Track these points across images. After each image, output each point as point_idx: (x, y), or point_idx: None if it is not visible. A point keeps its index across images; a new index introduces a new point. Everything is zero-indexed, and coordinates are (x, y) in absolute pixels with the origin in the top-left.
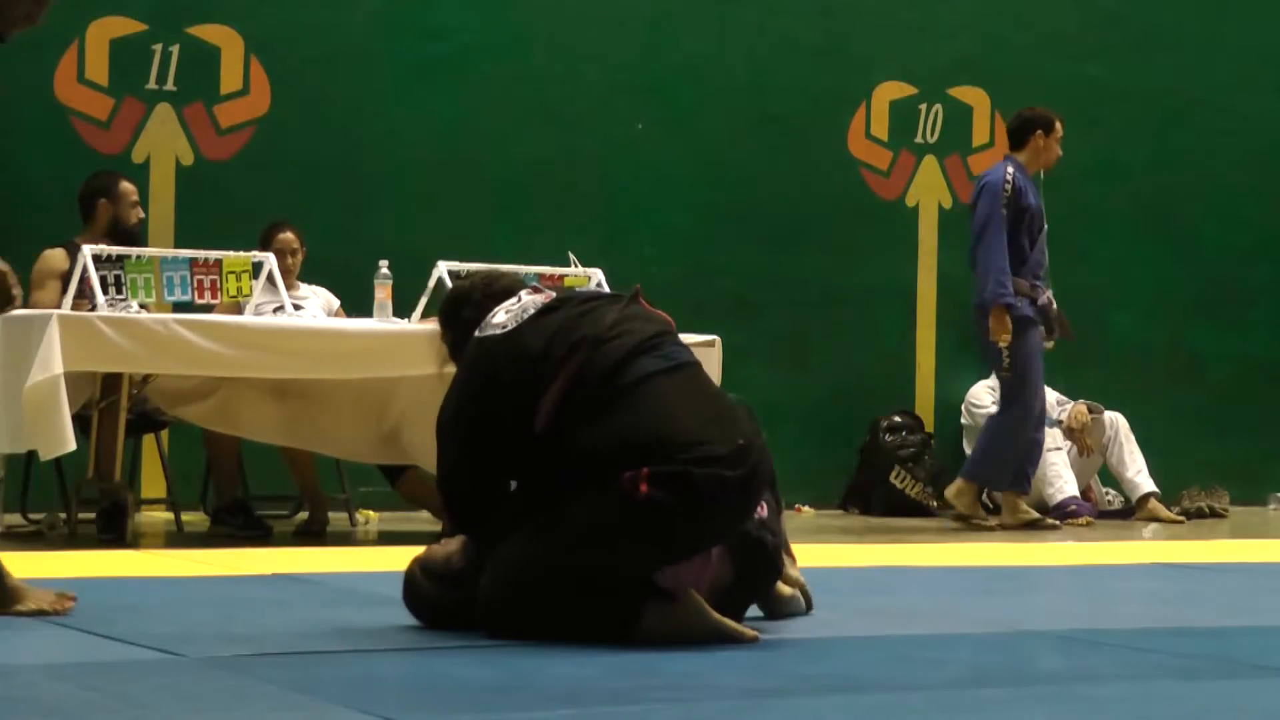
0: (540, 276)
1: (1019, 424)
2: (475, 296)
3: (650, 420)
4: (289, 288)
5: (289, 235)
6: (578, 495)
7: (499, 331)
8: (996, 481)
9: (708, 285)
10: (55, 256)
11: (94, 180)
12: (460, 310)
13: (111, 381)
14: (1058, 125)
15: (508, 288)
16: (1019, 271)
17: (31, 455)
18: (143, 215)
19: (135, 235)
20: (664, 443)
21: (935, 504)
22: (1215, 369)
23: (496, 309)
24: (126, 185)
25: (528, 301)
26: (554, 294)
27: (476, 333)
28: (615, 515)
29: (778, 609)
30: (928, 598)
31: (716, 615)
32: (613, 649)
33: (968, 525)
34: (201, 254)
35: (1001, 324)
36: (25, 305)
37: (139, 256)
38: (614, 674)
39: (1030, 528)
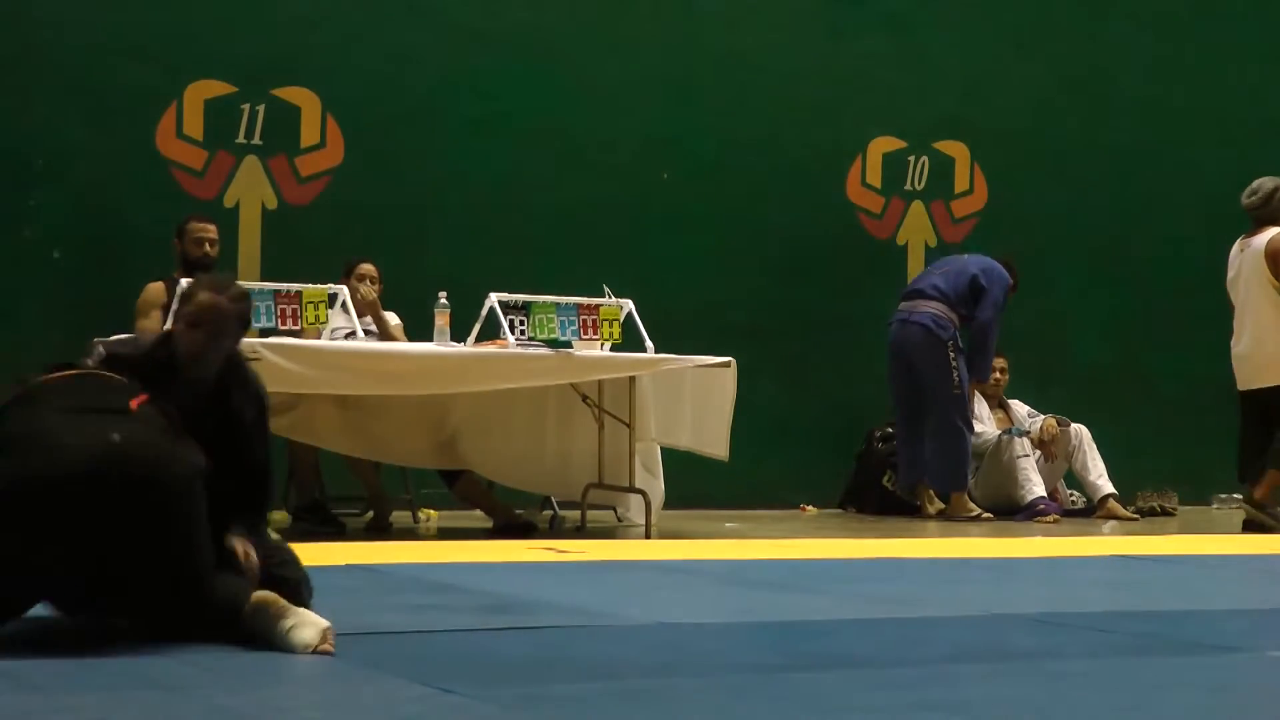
0: (579, 305)
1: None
2: None
3: None
4: (375, 314)
5: (368, 266)
6: None
7: None
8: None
9: (724, 314)
10: (155, 289)
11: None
12: None
13: None
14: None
15: None
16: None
17: None
18: (210, 250)
19: (203, 266)
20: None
21: (920, 504)
22: (1165, 386)
23: None
24: (194, 224)
25: None
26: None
27: None
28: None
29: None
30: (916, 585)
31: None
32: (643, 628)
33: (960, 520)
34: (284, 286)
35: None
36: (132, 332)
37: None
38: (644, 651)
39: (975, 520)
